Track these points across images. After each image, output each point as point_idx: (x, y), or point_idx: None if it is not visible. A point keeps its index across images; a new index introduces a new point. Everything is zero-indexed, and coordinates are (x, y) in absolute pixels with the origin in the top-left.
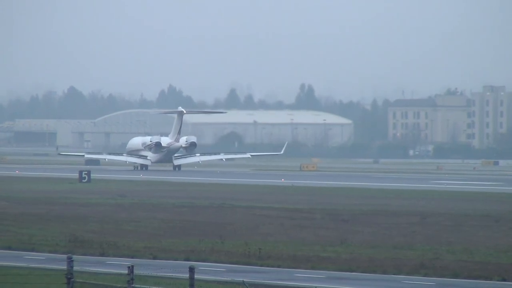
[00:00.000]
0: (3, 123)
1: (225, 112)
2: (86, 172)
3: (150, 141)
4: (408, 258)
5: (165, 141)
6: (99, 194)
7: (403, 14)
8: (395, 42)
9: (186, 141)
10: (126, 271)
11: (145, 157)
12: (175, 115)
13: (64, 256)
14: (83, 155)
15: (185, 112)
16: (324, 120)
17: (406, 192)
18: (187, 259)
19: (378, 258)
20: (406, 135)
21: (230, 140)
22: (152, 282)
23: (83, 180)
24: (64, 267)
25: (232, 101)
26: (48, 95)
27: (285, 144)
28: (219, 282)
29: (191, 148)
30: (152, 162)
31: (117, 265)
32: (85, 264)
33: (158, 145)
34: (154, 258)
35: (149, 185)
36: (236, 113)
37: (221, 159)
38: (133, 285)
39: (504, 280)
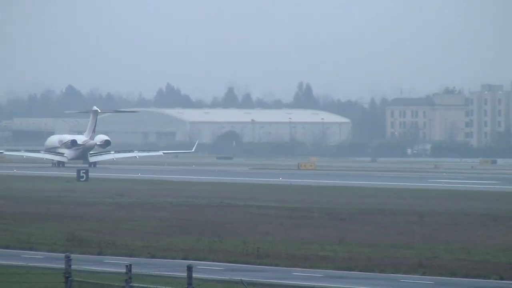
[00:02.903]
0: (1, 122)
1: (138, 111)
2: (84, 171)
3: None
4: (406, 257)
5: (80, 139)
6: (97, 193)
7: (402, 13)
8: (393, 41)
9: (101, 140)
10: (124, 270)
11: (62, 154)
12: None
13: (62, 255)
14: (2, 152)
15: (99, 111)
16: (322, 119)
17: (404, 191)
18: (185, 258)
19: (376, 257)
20: (404, 134)
21: (228, 139)
22: (150, 281)
23: (81, 179)
24: (62, 266)
25: (230, 100)
26: (46, 94)
27: (196, 142)
28: (217, 281)
29: (105, 146)
30: (68, 159)
31: (115, 264)
32: (83, 263)
33: (73, 142)
34: (152, 257)
35: (147, 184)
36: (234, 112)
37: (135, 157)
38: (131, 284)
39: (502, 279)
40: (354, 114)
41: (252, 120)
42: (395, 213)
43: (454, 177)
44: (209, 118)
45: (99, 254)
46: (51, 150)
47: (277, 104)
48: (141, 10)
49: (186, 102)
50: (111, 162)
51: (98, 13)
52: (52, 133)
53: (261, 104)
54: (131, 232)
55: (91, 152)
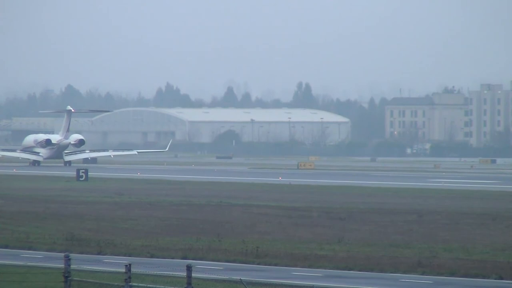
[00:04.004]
0: (0, 122)
1: (110, 111)
2: (83, 171)
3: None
4: (405, 256)
5: (55, 138)
6: (97, 193)
7: (401, 13)
8: (392, 41)
9: (75, 139)
10: (123, 270)
11: (37, 153)
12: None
13: (62, 254)
14: None
15: (73, 110)
16: (322, 118)
17: (403, 190)
18: (185, 258)
19: (375, 256)
20: (404, 134)
21: (228, 138)
22: (149, 280)
23: (81, 179)
24: (61, 265)
25: (230, 99)
26: (46, 93)
27: (169, 142)
28: (216, 280)
29: (79, 145)
30: (44, 158)
31: (114, 264)
32: (83, 263)
33: (48, 142)
34: (152, 256)
35: (146, 184)
36: (233, 112)
37: (110, 156)
38: (130, 283)
39: (501, 278)
40: (353, 113)
41: (252, 120)
42: (394, 212)
43: (453, 177)
44: (208, 117)
45: (98, 253)
46: (28, 149)
47: (277, 104)
48: (141, 10)
49: (186, 102)
50: (86, 161)
51: (97, 13)
52: (51, 133)
53: (261, 104)
54: (130, 232)
55: (66, 151)
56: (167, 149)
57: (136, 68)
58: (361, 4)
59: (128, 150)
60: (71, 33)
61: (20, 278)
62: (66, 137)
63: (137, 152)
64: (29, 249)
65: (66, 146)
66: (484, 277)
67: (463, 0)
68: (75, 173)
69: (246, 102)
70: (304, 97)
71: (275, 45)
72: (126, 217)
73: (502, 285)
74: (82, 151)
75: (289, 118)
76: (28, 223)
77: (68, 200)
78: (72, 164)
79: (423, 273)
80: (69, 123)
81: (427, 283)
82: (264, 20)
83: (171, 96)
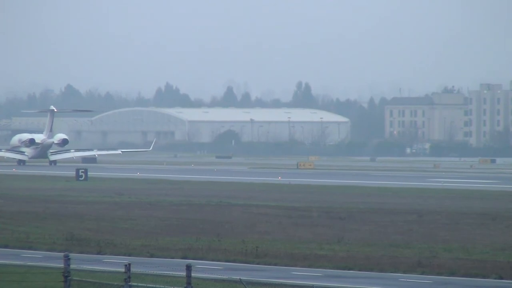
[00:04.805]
0: (0, 121)
1: (92, 111)
2: (83, 170)
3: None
4: (405, 256)
5: (38, 138)
6: (96, 192)
7: (401, 13)
8: (392, 41)
9: (59, 139)
10: (123, 269)
11: (22, 152)
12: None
13: (61, 254)
14: None
15: (56, 110)
16: (321, 118)
17: (403, 190)
18: (184, 257)
19: (375, 256)
20: (403, 133)
21: (227, 138)
22: (149, 280)
23: (80, 178)
24: (61, 265)
25: (229, 99)
26: (45, 93)
27: (154, 141)
28: (216, 280)
29: (63, 145)
30: (29, 158)
31: (114, 263)
32: (82, 262)
33: (32, 141)
34: (151, 256)
35: (146, 183)
36: (233, 112)
37: (94, 155)
38: (130, 283)
39: (501, 278)
40: (353, 113)
41: (251, 120)
42: (394, 212)
43: (453, 176)
44: (208, 117)
45: (98, 253)
46: (15, 149)
47: (276, 104)
48: (141, 10)
49: (185, 102)
50: (72, 160)
51: (97, 13)
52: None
53: (260, 104)
54: (130, 231)
55: (51, 151)
56: (151, 148)
57: (136, 68)
58: (361, 4)
59: (113, 149)
60: (71, 33)
61: (20, 278)
62: (50, 137)
63: (121, 151)
64: (29, 249)
65: (49, 146)
66: (484, 277)
67: (463, 0)
68: (74, 173)
69: (246, 102)
70: (304, 97)
71: (275, 45)
72: (126, 217)
73: (502, 285)
74: (67, 151)
75: (289, 118)
76: (28, 223)
77: (68, 200)
78: (57, 164)
79: (423, 273)
80: (52, 123)
81: (427, 283)
82: (264, 20)
83: (170, 96)
